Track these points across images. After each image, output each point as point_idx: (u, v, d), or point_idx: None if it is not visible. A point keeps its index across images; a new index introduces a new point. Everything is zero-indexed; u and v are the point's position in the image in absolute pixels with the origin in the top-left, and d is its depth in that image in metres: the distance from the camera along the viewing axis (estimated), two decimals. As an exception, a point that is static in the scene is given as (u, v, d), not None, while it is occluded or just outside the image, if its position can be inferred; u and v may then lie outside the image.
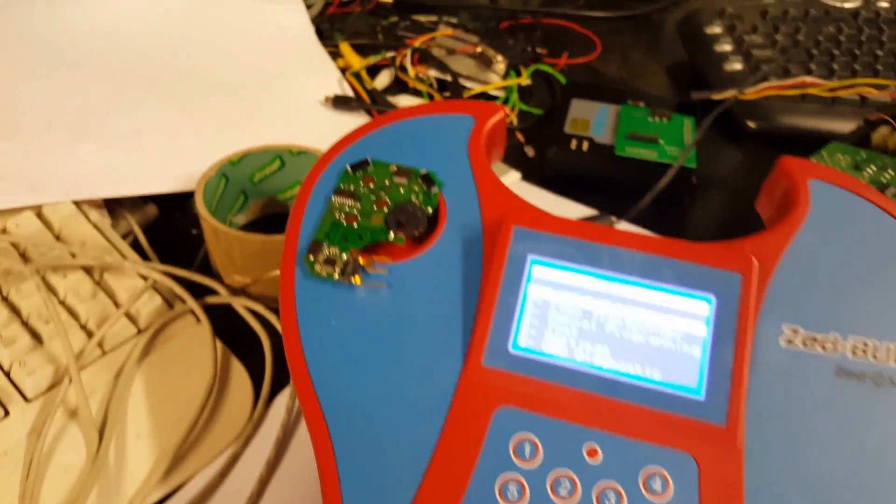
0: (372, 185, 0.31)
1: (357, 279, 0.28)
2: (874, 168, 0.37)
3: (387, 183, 0.31)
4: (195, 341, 0.35)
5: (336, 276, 0.28)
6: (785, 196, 0.30)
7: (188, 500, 0.30)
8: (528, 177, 0.45)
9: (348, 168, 0.31)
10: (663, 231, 0.42)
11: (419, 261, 0.29)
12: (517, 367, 0.26)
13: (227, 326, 0.36)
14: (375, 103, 0.51)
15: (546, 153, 0.45)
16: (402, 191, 0.30)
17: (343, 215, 0.30)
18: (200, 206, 0.36)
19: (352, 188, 0.31)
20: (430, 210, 0.30)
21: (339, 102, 0.50)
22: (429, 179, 0.31)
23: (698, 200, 0.44)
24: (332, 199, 0.30)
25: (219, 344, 0.35)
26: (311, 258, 0.29)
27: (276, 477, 0.31)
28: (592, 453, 0.25)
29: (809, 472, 0.24)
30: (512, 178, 0.44)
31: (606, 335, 0.26)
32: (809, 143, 0.46)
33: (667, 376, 0.25)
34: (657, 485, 0.24)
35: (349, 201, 0.30)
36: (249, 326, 0.36)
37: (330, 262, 0.28)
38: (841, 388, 0.25)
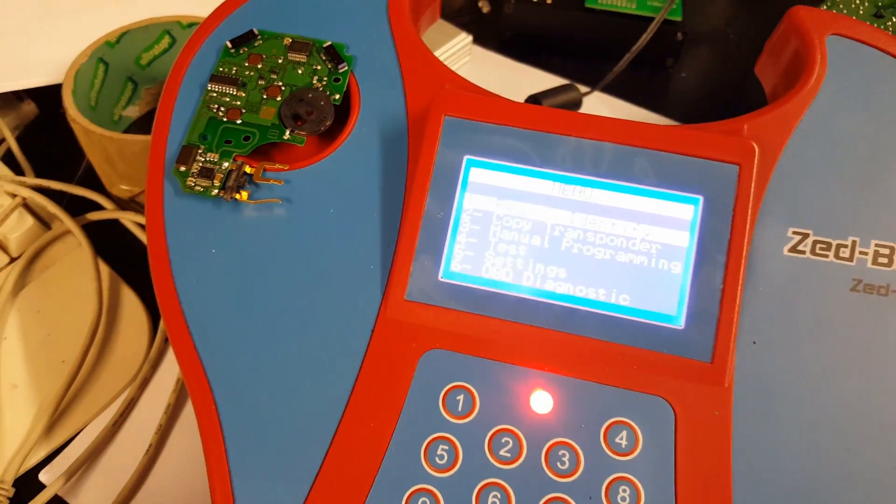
0: (260, 66, 0.24)
1: (243, 194, 0.22)
2: (901, 14, 0.30)
3: (280, 61, 0.24)
4: (77, 267, 0.29)
5: (215, 191, 0.22)
6: (795, 58, 0.23)
7: (76, 457, 0.25)
8: (483, 39, 0.38)
9: (228, 44, 0.24)
10: (643, 101, 0.35)
11: (324, 165, 0.22)
12: (449, 300, 0.20)
13: (116, 245, 0.30)
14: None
15: (503, 9, 0.37)
16: (300, 71, 0.23)
17: (222, 109, 0.23)
18: (69, 103, 0.29)
19: (234, 71, 0.23)
20: (337, 97, 0.23)
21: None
22: (335, 54, 0.23)
23: (685, 61, 0.37)
24: (208, 88, 0.23)
25: (104, 268, 0.29)
26: (182, 169, 0.22)
27: (179, 424, 0.26)
28: (541, 403, 0.19)
29: (813, 413, 0.19)
30: (461, 43, 0.36)
31: (562, 253, 0.20)
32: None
33: (638, 302, 0.20)
34: (622, 439, 0.19)
35: (230, 89, 0.23)
36: (143, 245, 0.30)
37: (207, 172, 0.22)
38: (858, 305, 0.20)
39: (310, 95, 0.23)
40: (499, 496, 0.19)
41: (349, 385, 0.20)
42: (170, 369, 0.27)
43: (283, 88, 0.23)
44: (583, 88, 0.34)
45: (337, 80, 0.23)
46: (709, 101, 0.36)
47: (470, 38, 0.36)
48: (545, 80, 0.36)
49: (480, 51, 0.38)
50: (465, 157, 0.21)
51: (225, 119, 0.23)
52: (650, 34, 0.33)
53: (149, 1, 0.36)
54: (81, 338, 0.27)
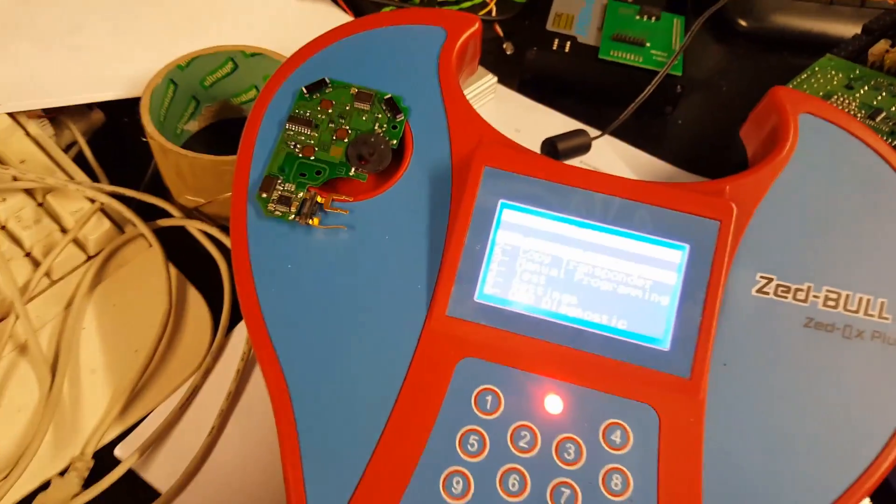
0: (330, 111, 0.28)
1: (315, 221, 0.26)
2: (867, 88, 0.35)
3: (347, 108, 0.28)
4: (148, 267, 0.33)
5: (291, 216, 0.26)
6: (773, 130, 0.28)
7: (147, 435, 0.29)
8: (506, 79, 0.42)
9: (303, 90, 0.28)
10: (643, 144, 0.40)
11: (382, 199, 0.27)
12: (482, 318, 0.25)
13: (182, 249, 0.34)
14: (342, -9, 0.46)
15: (525, 54, 0.42)
16: (364, 118, 0.28)
17: (299, 146, 0.27)
18: (147, 121, 0.33)
19: (308, 114, 0.28)
20: (394, 142, 0.27)
21: (301, -10, 0.45)
22: (394, 105, 0.28)
23: (682, 110, 0.42)
24: (286, 126, 0.28)
25: (173, 270, 0.33)
26: (265, 196, 0.26)
27: (238, 409, 0.30)
28: (553, 405, 0.24)
29: (771, 424, 0.24)
30: (488, 83, 0.41)
31: (575, 284, 0.25)
32: (802, 49, 0.43)
33: (633, 326, 0.25)
34: (617, 437, 0.24)
35: (305, 130, 0.28)
36: (206, 250, 0.34)
37: (285, 200, 0.26)
38: (809, 339, 0.25)
39: (372, 139, 0.27)
40: (517, 479, 0.24)
41: (398, 384, 0.25)
42: (230, 360, 0.32)
43: (349, 132, 0.28)
44: (592, 131, 0.39)
45: (395, 127, 0.28)
46: (701, 145, 0.41)
47: (495, 78, 0.41)
48: (558, 120, 0.40)
49: (503, 89, 0.42)
50: (500, 201, 0.26)
51: (300, 155, 0.27)
52: (654, 86, 0.38)
53: (215, 31, 0.41)
54: (153, 330, 0.31)
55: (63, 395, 0.30)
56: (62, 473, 0.29)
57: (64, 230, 0.33)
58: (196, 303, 0.33)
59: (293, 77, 0.29)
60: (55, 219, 0.34)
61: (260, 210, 0.26)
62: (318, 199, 0.26)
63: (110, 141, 0.40)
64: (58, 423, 0.29)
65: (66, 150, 0.38)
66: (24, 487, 0.28)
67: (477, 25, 0.30)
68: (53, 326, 0.31)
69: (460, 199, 0.26)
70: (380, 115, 0.28)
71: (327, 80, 0.28)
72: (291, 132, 0.28)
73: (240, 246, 0.26)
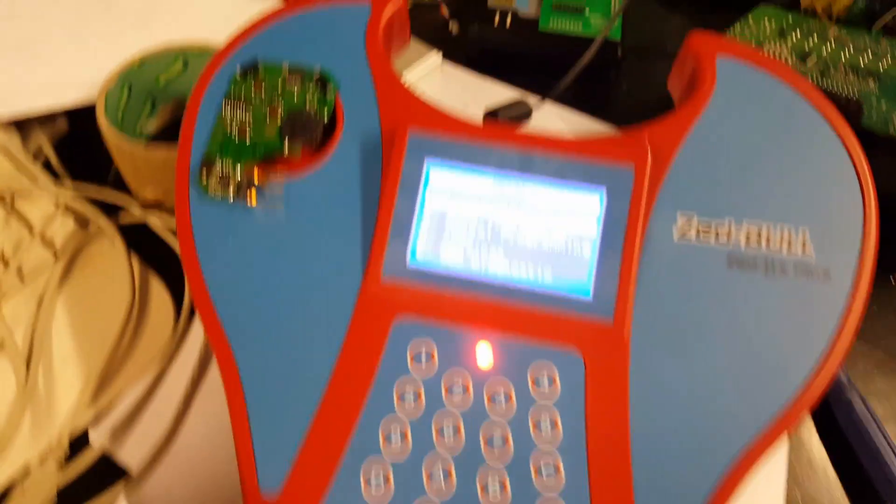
0: (263, 91, 0.29)
1: (253, 198, 0.27)
2: (799, 34, 0.36)
3: (279, 87, 0.29)
4: (112, 262, 0.35)
5: (231, 197, 0.27)
6: (692, 75, 0.29)
7: (118, 418, 0.31)
8: (453, 55, 0.43)
9: (237, 72, 0.29)
10: (588, 109, 0.41)
11: (317, 174, 0.28)
12: (415, 279, 0.26)
13: (145, 243, 0.36)
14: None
15: (468, 31, 0.43)
16: (295, 96, 0.29)
17: (235, 127, 0.29)
18: (102, 120, 0.35)
19: (242, 95, 0.29)
20: (325, 116, 0.29)
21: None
22: (323, 82, 0.29)
23: (625, 74, 0.43)
24: (223, 109, 0.29)
25: (135, 263, 0.35)
26: (205, 177, 0.28)
27: (201, 392, 0.32)
28: (484, 355, 0.25)
29: (695, 364, 0.25)
30: (433, 61, 0.42)
31: (501, 242, 0.26)
32: (745, 7, 0.44)
33: (557, 277, 0.26)
34: (544, 382, 0.25)
35: (240, 111, 0.29)
36: (166, 243, 0.35)
37: (224, 180, 0.28)
38: (731, 278, 0.25)
39: (303, 116, 0.28)
40: (451, 426, 0.25)
41: (339, 343, 0.26)
42: (192, 347, 0.33)
43: (281, 110, 0.29)
44: (533, 101, 0.40)
45: (325, 102, 0.29)
46: (646, 107, 0.41)
47: (440, 55, 0.42)
48: (506, 92, 0.41)
49: (450, 67, 0.43)
50: (426, 161, 0.27)
51: (236, 136, 0.28)
52: (590, 55, 0.39)
53: (164, 28, 0.42)
54: (118, 320, 0.33)
55: (38, 385, 0.31)
56: (40, 461, 0.30)
57: (32, 231, 0.35)
58: (159, 293, 0.34)
59: (228, 62, 0.30)
60: (24, 221, 0.35)
61: (201, 192, 0.28)
62: (255, 178, 0.28)
63: (76, 147, 0.41)
64: (34, 410, 0.31)
65: (36, 156, 0.40)
66: (3, 473, 0.30)
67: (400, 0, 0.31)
68: (27, 323, 0.33)
69: (388, 165, 0.27)
70: (310, 93, 0.29)
71: (258, 62, 0.30)
72: (227, 114, 0.29)
73: (185, 227, 0.28)
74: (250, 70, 0.29)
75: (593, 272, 0.25)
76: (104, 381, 0.32)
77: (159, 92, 0.40)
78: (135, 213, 0.36)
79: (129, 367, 0.32)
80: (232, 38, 0.31)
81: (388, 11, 0.30)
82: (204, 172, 0.28)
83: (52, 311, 0.34)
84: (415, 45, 0.42)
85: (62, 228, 0.35)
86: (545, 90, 0.40)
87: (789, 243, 0.26)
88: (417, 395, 0.25)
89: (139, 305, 0.34)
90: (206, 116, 0.29)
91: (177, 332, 0.33)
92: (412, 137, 0.27)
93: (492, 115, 0.37)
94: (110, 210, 0.36)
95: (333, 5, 0.31)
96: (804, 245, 0.26)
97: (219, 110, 0.29)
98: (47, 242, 0.35)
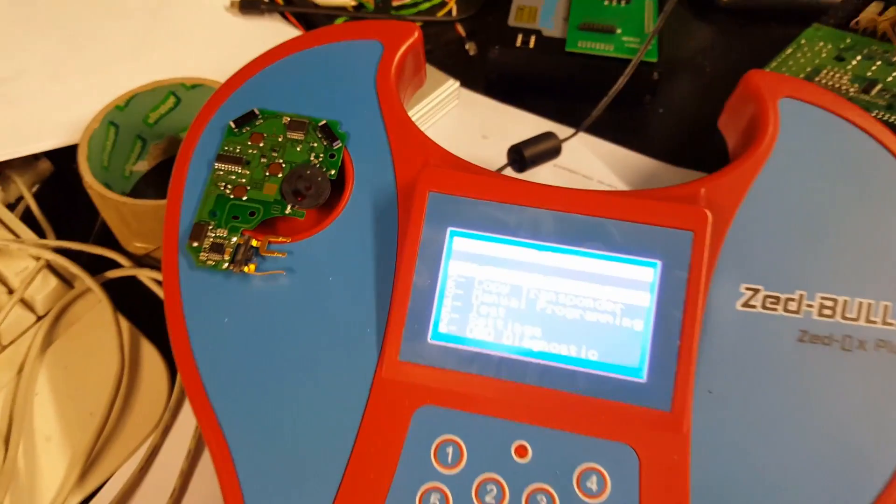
0: (262, 144, 0.26)
1: (251, 267, 0.24)
2: (860, 58, 0.32)
3: (280, 140, 0.26)
4: (100, 323, 0.31)
5: (225, 265, 0.24)
6: (751, 120, 0.26)
7: (108, 502, 0.28)
8: (470, 81, 0.40)
9: (231, 124, 0.26)
10: (622, 139, 0.37)
11: (323, 236, 0.25)
12: (438, 360, 0.23)
13: (135, 300, 0.32)
14: (291, 3, 0.44)
15: (488, 53, 0.39)
16: (298, 149, 0.26)
17: (229, 187, 0.25)
18: (84, 169, 0.31)
19: (238, 150, 0.26)
20: (332, 172, 0.25)
21: (247, 6, 0.43)
22: (330, 132, 0.26)
23: (663, 98, 0.39)
24: (215, 166, 0.25)
25: (124, 324, 0.31)
26: (196, 245, 0.24)
27: (200, 469, 0.28)
28: (521, 452, 0.22)
29: (765, 456, 0.21)
30: (449, 89, 0.38)
31: (538, 314, 0.23)
32: (788, 19, 0.40)
33: (604, 357, 0.22)
34: (593, 483, 0.21)
35: (236, 168, 0.25)
36: (159, 299, 0.32)
37: (217, 247, 0.24)
38: (804, 355, 0.22)
39: (308, 172, 0.25)
40: (487, 538, 0.21)
41: (351, 439, 0.22)
42: (189, 417, 0.30)
43: (283, 165, 0.25)
44: (564, 129, 0.36)
45: (332, 156, 0.25)
46: (685, 134, 0.38)
47: (457, 84, 0.38)
48: (528, 121, 0.38)
49: (468, 93, 0.40)
50: (449, 229, 0.23)
51: (232, 196, 0.25)
52: (626, 77, 0.35)
53: (154, 63, 0.39)
54: (107, 390, 0.29)
55: (18, 465, 0.28)
56: (19, 555, 0.27)
57: (11, 291, 0.32)
58: (151, 357, 0.31)
59: (221, 111, 0.27)
60: (1, 280, 0.32)
61: (192, 260, 0.24)
62: (254, 242, 0.24)
63: (59, 192, 0.38)
64: (14, 494, 0.28)
65: (14, 204, 0.36)
66: (-22, 572, 0.27)
67: (416, 35, 0.27)
68: (5, 394, 0.30)
69: (406, 230, 0.24)
70: (315, 144, 0.26)
71: (257, 112, 0.26)
72: (221, 172, 0.25)
73: (173, 301, 0.24)
74: (247, 121, 0.26)
75: (647, 352, 0.22)
76: (92, 459, 0.29)
77: (149, 131, 0.36)
78: (124, 266, 0.33)
79: (119, 442, 0.29)
80: (224, 84, 0.27)
81: (402, 49, 0.27)
82: (194, 239, 0.24)
83: (34, 381, 0.30)
84: (430, 73, 0.38)
85: (44, 287, 0.32)
86: (571, 117, 0.37)
87: (868, 315, 0.22)
88: (444, 500, 0.22)
89: (129, 372, 0.31)
90: (197, 173, 0.26)
91: (171, 401, 0.30)
92: (432, 200, 0.23)
93: (517, 151, 0.33)
94: (97, 262, 0.33)
95: (340, 42, 0.27)
96: (884, 315, 0.22)
97: (212, 166, 0.25)
98: (28, 303, 0.32)
